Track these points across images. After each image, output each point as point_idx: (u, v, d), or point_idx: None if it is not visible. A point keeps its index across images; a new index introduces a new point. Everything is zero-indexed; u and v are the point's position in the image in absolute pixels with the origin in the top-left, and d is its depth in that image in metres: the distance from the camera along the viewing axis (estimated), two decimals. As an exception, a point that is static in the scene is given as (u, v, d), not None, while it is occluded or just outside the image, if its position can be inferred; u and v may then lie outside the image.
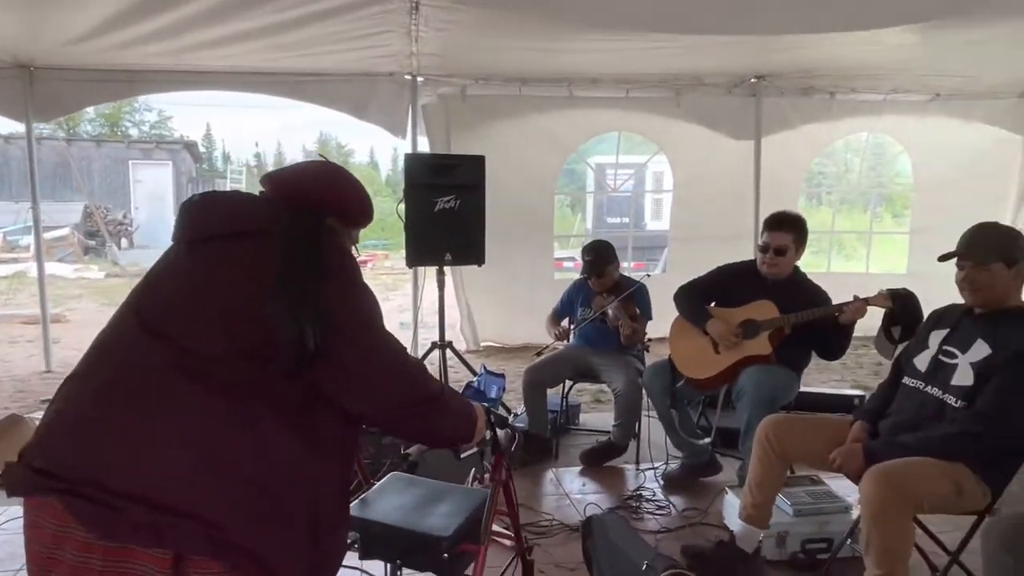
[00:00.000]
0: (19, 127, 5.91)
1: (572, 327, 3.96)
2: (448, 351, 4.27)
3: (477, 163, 4.01)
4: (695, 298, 3.39)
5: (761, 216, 4.06)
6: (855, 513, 2.72)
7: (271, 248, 1.30)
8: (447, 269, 4.25)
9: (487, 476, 3.22)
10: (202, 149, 35.13)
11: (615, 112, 6.49)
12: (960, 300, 2.41)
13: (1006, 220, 6.14)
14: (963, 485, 2.13)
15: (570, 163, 11.01)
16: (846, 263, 9.13)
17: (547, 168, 6.63)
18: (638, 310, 3.70)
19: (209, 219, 1.39)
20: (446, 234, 3.88)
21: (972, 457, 2.16)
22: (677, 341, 3.40)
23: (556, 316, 4.07)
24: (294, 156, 38.81)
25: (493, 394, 3.97)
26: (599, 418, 4.52)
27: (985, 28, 4.45)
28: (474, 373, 4.15)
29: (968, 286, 2.29)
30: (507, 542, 2.66)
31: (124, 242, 17.65)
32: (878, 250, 8.86)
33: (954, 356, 2.30)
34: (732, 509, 2.92)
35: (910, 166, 7.33)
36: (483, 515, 1.83)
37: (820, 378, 5.61)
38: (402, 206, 3.93)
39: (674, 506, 3.22)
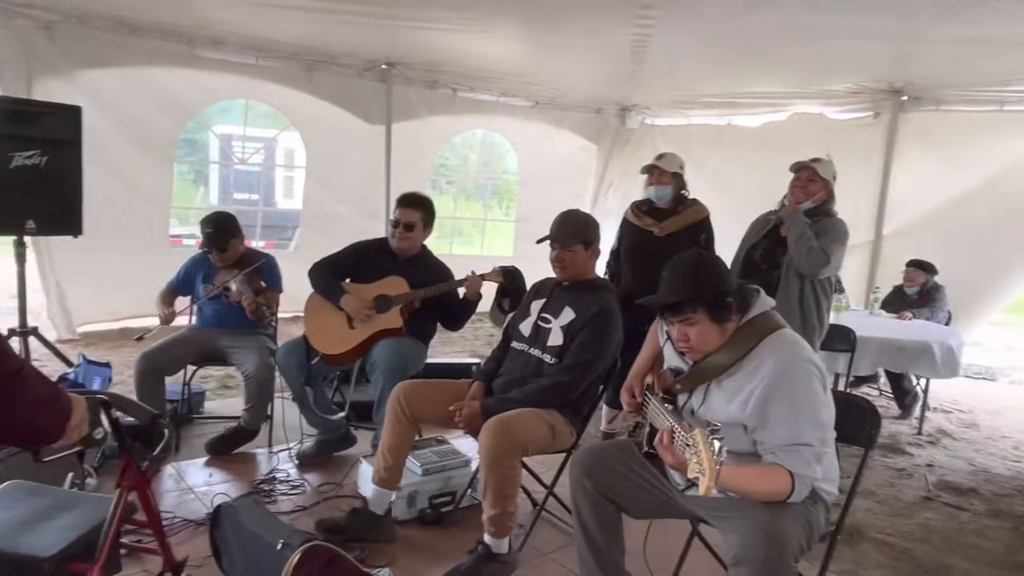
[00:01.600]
0: None
1: (192, 305, 3.63)
2: (33, 339, 3.52)
3: (71, 114, 3.36)
4: (329, 274, 3.39)
5: (392, 199, 4.22)
6: (474, 465, 3.04)
7: None
8: (29, 241, 3.49)
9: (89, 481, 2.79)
10: None
11: (242, 79, 6.08)
12: (554, 275, 2.85)
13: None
14: (557, 428, 2.54)
15: (192, 132, 10.00)
16: (465, 247, 10.07)
17: (162, 131, 5.91)
18: (264, 284, 3.55)
19: None
20: (28, 197, 3.17)
21: (562, 403, 2.59)
22: (312, 318, 3.36)
23: (171, 292, 3.68)
24: None
25: (96, 387, 3.43)
26: (227, 404, 4.24)
27: (568, 34, 5.26)
28: (70, 364, 3.52)
29: (558, 264, 2.73)
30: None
31: None
32: (491, 236, 9.98)
33: (549, 321, 2.71)
34: (366, 478, 3.01)
35: (517, 163, 8.39)
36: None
37: (443, 350, 6.11)
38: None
39: (309, 483, 3.19)
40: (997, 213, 5.47)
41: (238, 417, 3.56)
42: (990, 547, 3.09)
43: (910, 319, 5.11)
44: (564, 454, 2.69)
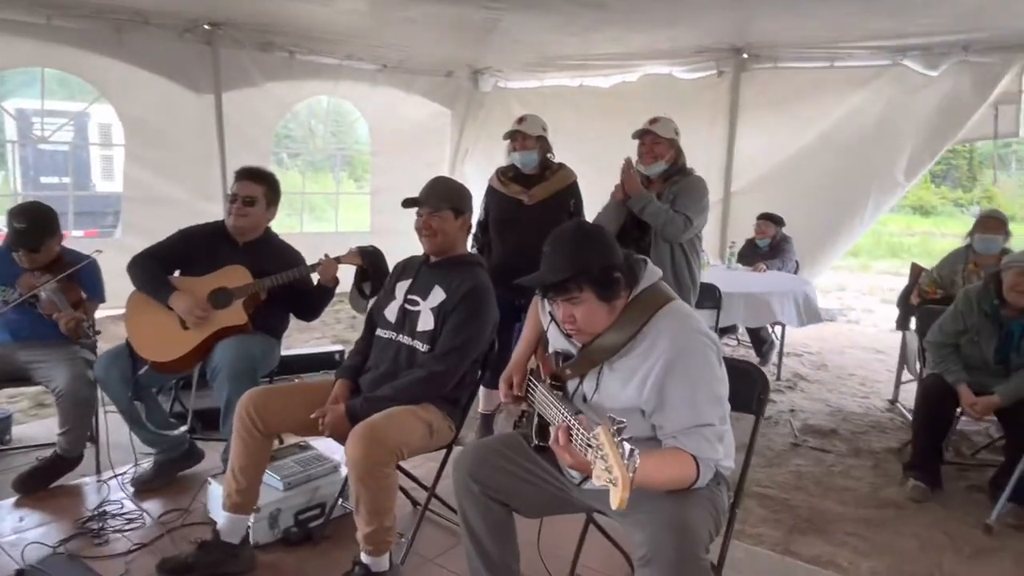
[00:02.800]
0: None
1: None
2: None
3: None
4: (154, 268, 2.89)
5: (230, 176, 3.74)
6: (344, 471, 2.73)
7: None
8: None
9: None
10: None
11: (33, 43, 5.19)
12: (419, 252, 2.57)
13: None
14: (434, 425, 2.28)
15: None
16: (318, 224, 9.46)
17: (-68, 107, 4.93)
18: (84, 294, 2.99)
19: None
20: None
21: (439, 396, 2.33)
22: (135, 320, 2.85)
23: None
24: None
25: None
26: (45, 427, 3.59)
27: (417, 8, 4.94)
28: None
29: (425, 231, 2.43)
30: None
31: None
32: (345, 211, 9.43)
33: (417, 304, 2.43)
34: (218, 499, 2.61)
35: (368, 132, 7.90)
36: None
37: (302, 338, 5.65)
38: None
39: (149, 514, 2.72)
40: (832, 166, 5.80)
41: (55, 443, 2.99)
42: (856, 487, 3.24)
43: (764, 270, 5.32)
44: (444, 450, 2.45)
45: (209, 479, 2.72)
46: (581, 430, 1.44)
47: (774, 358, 5.22)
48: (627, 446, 1.28)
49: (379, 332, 2.51)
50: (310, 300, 3.08)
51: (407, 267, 2.60)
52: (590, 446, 1.37)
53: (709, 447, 1.61)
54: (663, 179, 3.25)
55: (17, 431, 3.52)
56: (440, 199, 2.43)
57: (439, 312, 2.38)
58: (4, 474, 3.00)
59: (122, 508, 2.77)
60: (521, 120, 3.45)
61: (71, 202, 6.66)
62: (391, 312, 2.49)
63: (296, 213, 7.95)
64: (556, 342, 1.91)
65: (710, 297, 4.17)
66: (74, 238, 7.95)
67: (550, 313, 1.89)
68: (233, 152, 6.05)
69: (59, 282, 2.90)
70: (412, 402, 2.27)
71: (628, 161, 3.17)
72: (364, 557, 2.15)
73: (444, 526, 2.67)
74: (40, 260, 2.97)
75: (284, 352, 3.24)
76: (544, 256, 1.74)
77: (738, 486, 1.97)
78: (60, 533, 2.57)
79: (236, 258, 2.96)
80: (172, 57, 5.75)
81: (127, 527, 2.63)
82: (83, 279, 3.02)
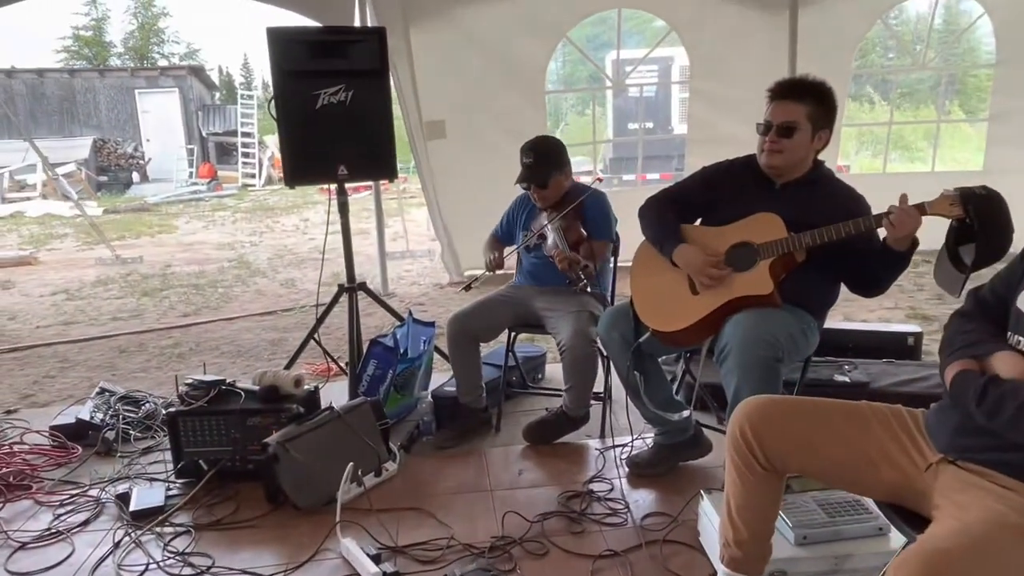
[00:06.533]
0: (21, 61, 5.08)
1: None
2: (363, 295, 3.30)
3: (374, 39, 2.91)
4: (667, 214, 2.35)
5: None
6: (894, 541, 1.76)
7: None
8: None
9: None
10: (240, 79, 35.01)
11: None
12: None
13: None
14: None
15: (579, 65, 9.66)
16: (908, 163, 7.73)
17: (531, 59, 5.48)
18: (585, 232, 2.67)
19: None
20: (337, 140, 2.86)
21: None
22: (641, 277, 2.38)
23: (496, 241, 3.08)
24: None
25: (421, 348, 3.07)
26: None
27: None
28: (400, 319, 3.24)
29: None
30: None
31: (136, 176, 17.13)
32: (946, 146, 7.43)
33: None
34: (709, 522, 1.98)
35: (992, 33, 5.87)
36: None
37: (867, 305, 4.49)
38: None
39: (632, 512, 2.27)
40: None
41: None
42: None
43: None
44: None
45: (702, 492, 2.09)
46: None
47: None
48: None
49: (1010, 336, 1.39)
50: (871, 267, 2.11)
51: None
52: None
53: None
54: None
55: (550, 369, 3.54)
56: None
57: None
58: (526, 415, 2.98)
59: (610, 491, 2.39)
60: None
61: (640, 146, 6.81)
62: None
63: (872, 145, 6.55)
64: None
65: None
66: (656, 182, 8.34)
67: None
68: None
69: (561, 220, 2.64)
70: None
71: None
72: None
73: None
74: (550, 197, 2.79)
75: (832, 325, 2.37)
76: None
77: None
78: (544, 504, 2.32)
79: (769, 203, 2.19)
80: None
81: (606, 519, 2.23)
82: (587, 215, 2.70)
